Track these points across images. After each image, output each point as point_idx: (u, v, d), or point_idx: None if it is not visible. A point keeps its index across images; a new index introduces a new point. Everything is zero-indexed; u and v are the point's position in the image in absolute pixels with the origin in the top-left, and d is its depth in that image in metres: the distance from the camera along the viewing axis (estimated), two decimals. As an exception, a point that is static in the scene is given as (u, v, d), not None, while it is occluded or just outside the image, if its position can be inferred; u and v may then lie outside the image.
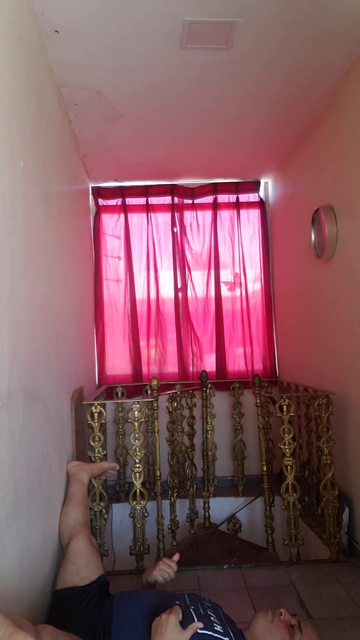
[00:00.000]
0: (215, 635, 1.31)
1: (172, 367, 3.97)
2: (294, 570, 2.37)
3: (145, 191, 3.98)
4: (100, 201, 3.98)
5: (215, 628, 1.34)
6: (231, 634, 1.35)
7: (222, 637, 1.31)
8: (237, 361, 4.02)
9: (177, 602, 1.43)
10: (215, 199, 4.05)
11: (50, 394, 1.90)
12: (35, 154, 1.81)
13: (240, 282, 4.05)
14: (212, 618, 1.39)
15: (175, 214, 4.03)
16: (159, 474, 2.65)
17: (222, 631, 1.34)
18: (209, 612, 1.43)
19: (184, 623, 1.33)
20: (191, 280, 4.03)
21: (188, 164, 3.69)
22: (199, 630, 1.30)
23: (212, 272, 4.02)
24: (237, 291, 4.06)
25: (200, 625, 1.28)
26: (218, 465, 3.61)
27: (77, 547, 1.76)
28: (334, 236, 2.68)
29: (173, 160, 3.61)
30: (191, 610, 1.39)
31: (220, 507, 3.41)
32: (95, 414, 2.45)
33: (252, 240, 4.11)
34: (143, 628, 1.33)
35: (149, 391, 2.92)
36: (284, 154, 3.53)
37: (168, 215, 4.03)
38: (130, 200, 4.00)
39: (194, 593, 1.56)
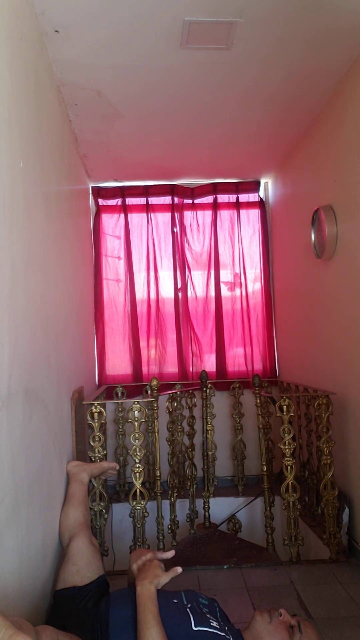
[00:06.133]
0: (211, 630, 1.32)
1: (172, 367, 3.97)
2: (294, 570, 2.37)
3: (145, 191, 3.98)
4: (100, 201, 3.98)
5: (212, 624, 1.35)
6: (227, 629, 1.36)
7: (219, 632, 1.32)
8: (237, 361, 4.02)
9: (175, 601, 1.44)
10: (215, 199, 4.05)
11: (50, 394, 1.90)
12: (35, 154, 1.81)
13: (240, 282, 4.05)
14: (208, 615, 1.40)
15: (175, 214, 4.02)
16: (159, 474, 2.65)
17: (218, 627, 1.35)
18: (204, 610, 1.44)
19: (182, 622, 1.33)
20: (191, 280, 4.03)
21: (188, 163, 3.69)
22: (194, 627, 1.30)
23: (212, 272, 4.02)
24: (237, 291, 4.06)
25: (180, 570, 1.41)
26: (218, 465, 3.61)
27: (77, 547, 1.76)
28: (334, 236, 2.68)
29: (173, 160, 3.61)
30: (188, 609, 1.40)
31: (220, 507, 3.41)
32: (95, 414, 2.45)
33: (252, 240, 4.11)
34: None
35: (149, 391, 2.92)
36: (284, 153, 3.53)
37: (168, 215, 4.03)
38: (130, 200, 4.00)
39: (191, 590, 1.56)
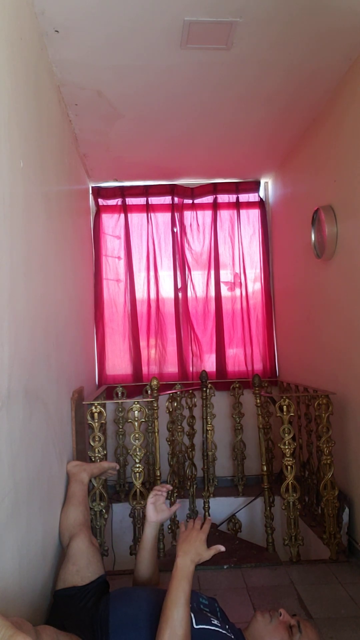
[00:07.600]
0: (212, 628, 1.33)
1: (172, 367, 3.97)
2: (294, 570, 2.37)
3: (145, 191, 3.98)
4: (100, 201, 3.98)
5: (212, 622, 1.36)
6: (227, 628, 1.36)
7: (220, 630, 1.33)
8: (237, 361, 4.02)
9: None
10: (215, 199, 4.05)
11: (50, 394, 1.90)
12: (35, 154, 1.81)
13: (240, 282, 4.05)
14: (208, 614, 1.41)
15: (175, 214, 4.02)
16: (159, 474, 2.65)
17: (219, 625, 1.35)
18: (205, 610, 1.44)
19: None
20: (191, 280, 4.03)
21: (188, 163, 3.69)
22: (195, 626, 1.31)
23: (212, 272, 4.02)
24: (237, 291, 4.06)
25: (223, 548, 1.42)
26: (218, 465, 3.61)
27: (77, 547, 1.76)
28: (334, 236, 2.68)
29: (173, 160, 3.61)
30: None
31: (220, 507, 3.41)
32: (95, 414, 2.45)
33: (252, 240, 4.11)
34: (141, 625, 1.34)
35: (149, 391, 2.92)
36: (284, 153, 3.53)
37: (168, 215, 4.03)
38: (130, 200, 4.00)
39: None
